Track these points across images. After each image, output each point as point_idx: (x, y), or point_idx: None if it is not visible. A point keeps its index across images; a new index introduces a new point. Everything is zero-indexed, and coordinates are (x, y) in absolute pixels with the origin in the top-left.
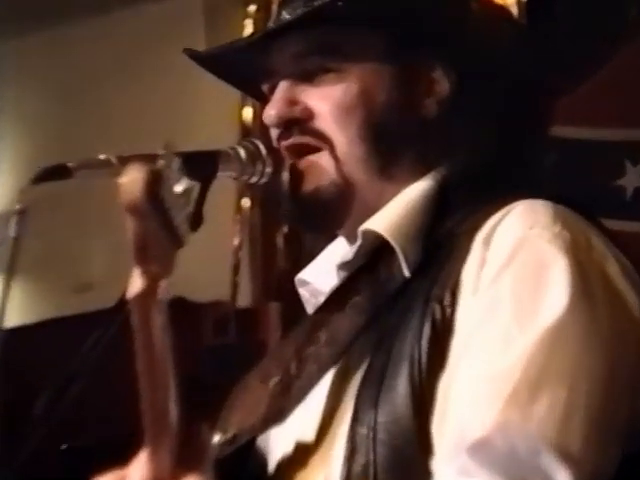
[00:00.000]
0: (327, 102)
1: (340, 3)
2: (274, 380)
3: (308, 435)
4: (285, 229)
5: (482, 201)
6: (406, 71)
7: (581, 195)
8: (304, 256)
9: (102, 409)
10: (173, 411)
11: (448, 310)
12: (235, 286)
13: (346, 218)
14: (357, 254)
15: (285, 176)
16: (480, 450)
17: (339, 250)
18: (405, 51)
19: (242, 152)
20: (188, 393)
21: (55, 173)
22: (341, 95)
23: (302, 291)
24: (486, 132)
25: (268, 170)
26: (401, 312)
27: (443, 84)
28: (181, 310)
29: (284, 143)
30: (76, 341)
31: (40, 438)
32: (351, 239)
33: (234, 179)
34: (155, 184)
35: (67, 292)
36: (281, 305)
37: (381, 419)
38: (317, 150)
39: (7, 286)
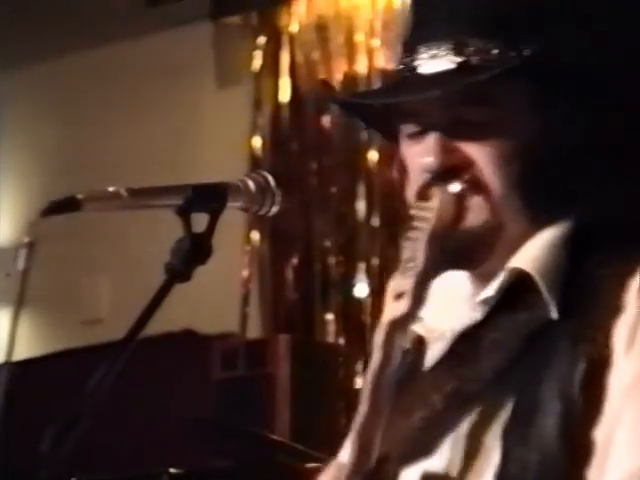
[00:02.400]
0: (485, 152)
1: (537, 58)
2: (419, 414)
3: (450, 471)
4: (295, 261)
5: (622, 247)
6: (551, 116)
7: None
8: (315, 288)
9: (109, 445)
10: (379, 438)
11: (604, 352)
12: (244, 318)
13: (488, 258)
14: (499, 290)
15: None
16: None
17: (454, 287)
18: (560, 99)
19: (251, 184)
20: (201, 432)
21: (65, 205)
22: (498, 144)
23: (414, 327)
24: (628, 176)
25: (277, 201)
26: (544, 352)
27: (592, 127)
28: (190, 342)
29: (439, 188)
30: (84, 374)
31: (46, 475)
32: (479, 277)
33: (243, 211)
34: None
35: (76, 325)
36: (290, 337)
37: (532, 458)
38: (472, 195)
39: (16, 319)
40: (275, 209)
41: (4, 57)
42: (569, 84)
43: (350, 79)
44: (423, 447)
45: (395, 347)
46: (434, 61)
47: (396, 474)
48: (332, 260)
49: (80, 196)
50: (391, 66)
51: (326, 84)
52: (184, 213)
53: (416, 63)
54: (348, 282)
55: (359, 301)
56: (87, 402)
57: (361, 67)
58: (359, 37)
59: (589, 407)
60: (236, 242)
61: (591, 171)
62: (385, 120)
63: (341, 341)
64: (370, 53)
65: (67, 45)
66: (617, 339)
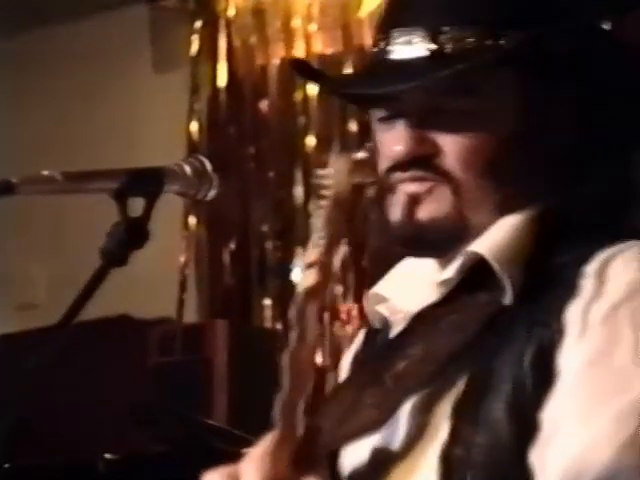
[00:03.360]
0: (456, 141)
1: (521, 49)
2: (368, 392)
3: (393, 447)
4: (232, 246)
5: (586, 235)
6: (532, 109)
7: None
8: (252, 273)
9: (44, 431)
10: (301, 411)
11: (556, 336)
12: (181, 303)
13: (454, 247)
14: (459, 273)
15: (398, 202)
16: None
17: (421, 269)
18: (532, 89)
19: (188, 169)
20: (137, 417)
21: None
22: (469, 134)
23: (378, 307)
24: (605, 171)
25: (214, 186)
26: (500, 335)
27: (563, 118)
28: (127, 328)
29: (401, 175)
30: (19, 359)
31: None
32: (445, 259)
33: (180, 196)
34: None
35: (10, 310)
36: (228, 322)
37: (480, 441)
38: (436, 183)
39: None
40: (212, 194)
41: None
42: (552, 77)
43: (287, 64)
44: (372, 423)
45: (309, 318)
46: (408, 47)
47: (334, 447)
48: (269, 245)
49: (14, 180)
50: (328, 51)
51: (299, 61)
52: (120, 197)
53: (390, 48)
54: (285, 267)
55: (296, 286)
56: (22, 387)
57: (298, 52)
58: (296, 22)
59: (538, 390)
60: (173, 227)
61: (563, 164)
62: (360, 99)
63: (278, 326)
64: (307, 38)
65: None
66: (569, 323)
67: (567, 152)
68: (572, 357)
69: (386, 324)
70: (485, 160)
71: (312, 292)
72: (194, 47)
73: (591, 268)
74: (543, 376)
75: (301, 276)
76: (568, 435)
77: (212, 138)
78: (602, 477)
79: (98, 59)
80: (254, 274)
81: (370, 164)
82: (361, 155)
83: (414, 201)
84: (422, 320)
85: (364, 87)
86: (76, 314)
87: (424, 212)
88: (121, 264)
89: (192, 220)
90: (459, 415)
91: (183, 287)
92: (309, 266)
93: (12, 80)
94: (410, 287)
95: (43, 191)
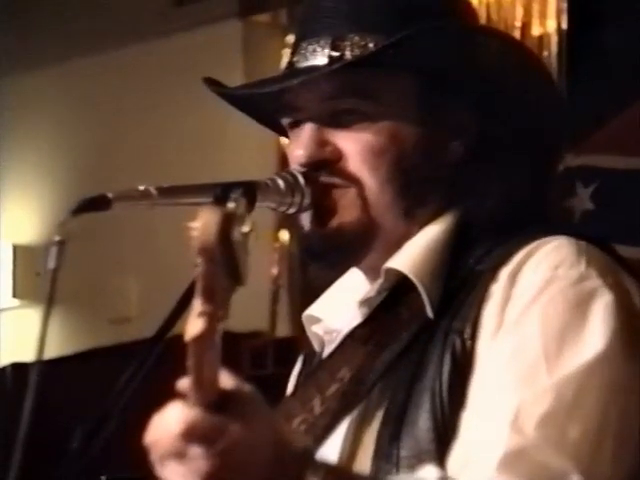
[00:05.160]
0: (357, 144)
1: (390, 51)
2: (298, 419)
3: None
4: None
5: (503, 238)
6: (434, 115)
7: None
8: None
9: (136, 444)
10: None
11: (468, 343)
12: (274, 316)
13: (366, 255)
14: (379, 291)
15: (308, 211)
16: (515, 461)
17: (350, 286)
18: (435, 96)
19: (281, 183)
20: None
21: (95, 204)
22: (371, 138)
23: (314, 328)
24: (510, 172)
25: (307, 201)
26: (422, 348)
27: (470, 127)
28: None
29: (312, 183)
30: (114, 372)
31: (76, 472)
32: (370, 274)
33: (272, 210)
34: (229, 227)
35: (104, 324)
36: None
37: (404, 454)
38: (343, 189)
39: (46, 318)
40: (304, 208)
41: (29, 58)
42: (456, 84)
43: None
44: (305, 451)
45: (203, 364)
46: (312, 55)
47: None
48: None
49: (110, 195)
50: None
51: (210, 80)
52: None
53: (295, 58)
54: None
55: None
56: (116, 401)
57: None
58: None
59: (454, 398)
60: (265, 240)
61: (471, 169)
62: (271, 116)
63: None
64: None
65: (96, 44)
66: (482, 328)
67: (470, 157)
68: (484, 359)
69: (323, 344)
70: (389, 165)
71: (200, 340)
72: (286, 61)
73: (505, 272)
74: (458, 382)
75: (188, 326)
76: (480, 428)
77: None
78: (522, 447)
79: (191, 74)
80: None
81: (244, 213)
82: (231, 206)
83: (323, 211)
84: (350, 341)
85: (252, 88)
86: (170, 328)
87: (333, 220)
88: None
89: (284, 234)
90: (383, 432)
91: (275, 300)
92: (196, 316)
93: (113, 95)
94: (341, 305)
95: (138, 206)
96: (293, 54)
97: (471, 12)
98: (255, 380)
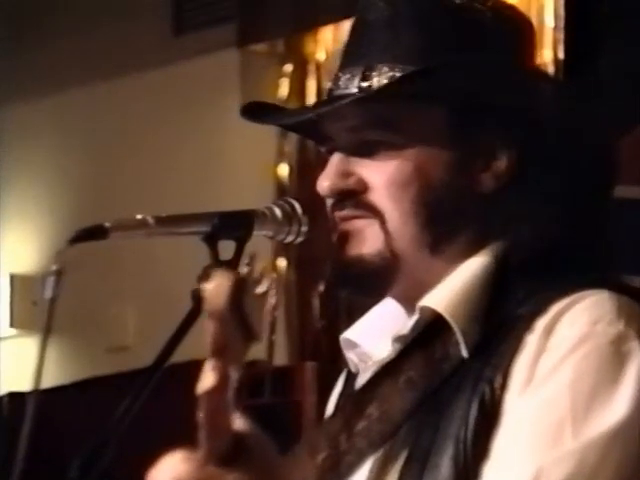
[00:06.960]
0: (382, 176)
1: (414, 82)
2: (323, 455)
3: None
4: (321, 288)
5: (544, 282)
6: (464, 148)
7: None
8: (341, 315)
9: (133, 475)
10: None
11: (498, 392)
12: (271, 345)
13: (391, 287)
14: (414, 329)
15: (334, 241)
16: None
17: (390, 313)
18: (465, 129)
19: (278, 212)
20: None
21: (92, 233)
22: (396, 170)
23: (349, 354)
24: (550, 206)
25: (304, 229)
26: (452, 391)
27: (501, 158)
28: None
29: (338, 214)
30: (111, 401)
31: None
32: (404, 305)
33: (270, 238)
34: (240, 292)
35: (101, 352)
36: (317, 365)
37: None
38: (367, 219)
39: (43, 347)
40: (302, 237)
41: (27, 89)
42: (488, 117)
43: None
44: None
45: (214, 417)
46: (344, 85)
47: None
48: None
49: (107, 224)
50: None
51: (253, 105)
52: (211, 240)
53: (333, 87)
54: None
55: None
56: (113, 430)
57: None
58: None
59: (479, 447)
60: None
61: (506, 205)
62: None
63: None
64: None
65: (94, 74)
66: (513, 379)
67: (503, 194)
68: (511, 412)
69: (358, 369)
70: (413, 197)
71: (211, 394)
72: (283, 90)
73: (542, 322)
74: (483, 432)
75: (200, 381)
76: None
77: (301, 181)
78: None
79: (189, 102)
80: (343, 316)
81: (259, 277)
82: (246, 270)
83: (345, 238)
84: (382, 375)
85: (282, 118)
86: (168, 357)
87: (353, 249)
88: None
89: (281, 262)
90: (405, 475)
91: (272, 329)
92: (207, 370)
93: (112, 125)
94: (379, 333)
95: (135, 235)
96: (331, 81)
97: (528, 44)
98: (251, 409)
